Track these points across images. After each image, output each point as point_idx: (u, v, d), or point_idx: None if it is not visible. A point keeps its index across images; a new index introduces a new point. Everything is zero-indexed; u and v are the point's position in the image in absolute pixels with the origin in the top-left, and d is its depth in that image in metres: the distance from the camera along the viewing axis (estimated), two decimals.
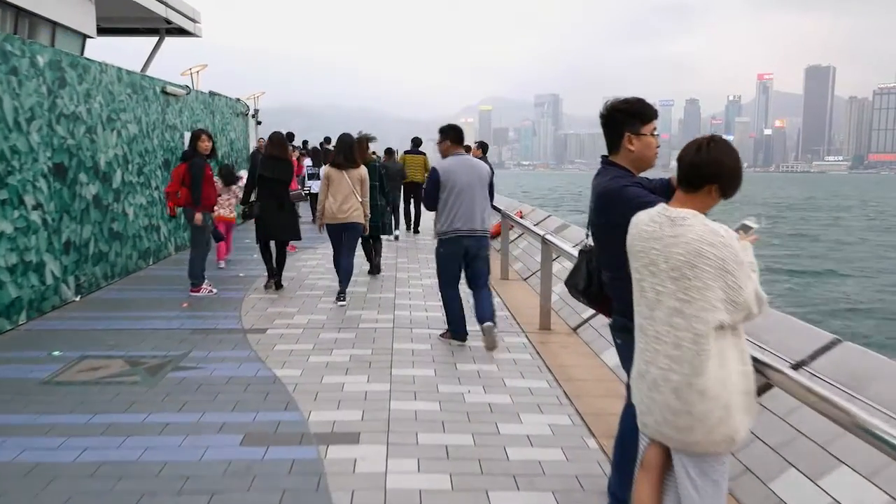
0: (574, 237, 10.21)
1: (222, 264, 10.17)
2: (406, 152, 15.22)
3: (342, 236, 8.10)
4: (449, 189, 6.00)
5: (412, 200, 15.02)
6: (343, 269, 8.11)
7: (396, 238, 13.54)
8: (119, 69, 9.25)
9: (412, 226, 15.16)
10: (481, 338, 6.18)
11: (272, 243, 8.72)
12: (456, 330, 6.35)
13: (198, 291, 8.24)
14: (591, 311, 7.06)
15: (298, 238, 8.99)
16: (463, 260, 6.18)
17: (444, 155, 6.23)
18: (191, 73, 28.48)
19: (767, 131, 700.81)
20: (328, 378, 5.28)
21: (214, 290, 8.34)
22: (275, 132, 8.96)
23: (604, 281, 3.14)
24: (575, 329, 7.06)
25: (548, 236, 7.27)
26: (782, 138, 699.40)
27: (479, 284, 6.27)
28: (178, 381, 5.14)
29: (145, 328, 6.71)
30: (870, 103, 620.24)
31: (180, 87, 11.89)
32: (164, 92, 10.97)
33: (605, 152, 3.10)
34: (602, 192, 3.00)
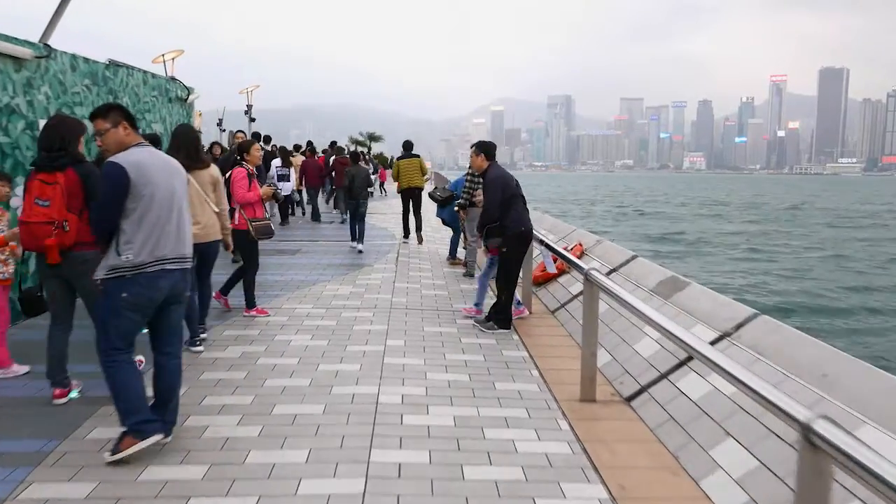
0: (712, 313, 5.51)
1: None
2: (399, 158, 14.18)
3: (197, 262, 5.96)
4: (147, 197, 3.85)
5: (411, 207, 13.79)
6: (201, 303, 6.39)
7: (360, 252, 12.19)
8: None
9: (416, 235, 13.75)
10: None
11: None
12: (140, 425, 3.83)
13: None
14: None
15: None
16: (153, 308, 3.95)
17: (118, 146, 3.97)
18: (163, 60, 24.11)
19: (781, 133, 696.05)
20: None
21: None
22: None
23: None
24: None
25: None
26: (795, 140, 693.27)
27: (177, 352, 4.18)
28: None
29: None
30: (883, 105, 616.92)
31: (26, 44, 7.17)
32: None
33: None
34: None
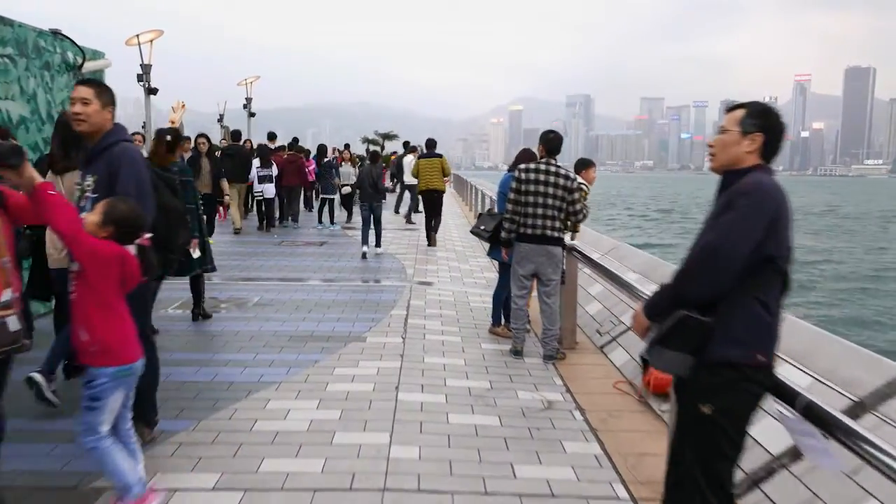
0: None
1: None
2: (420, 157, 14.37)
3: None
4: None
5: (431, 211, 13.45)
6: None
7: (377, 255, 11.54)
8: None
9: (431, 236, 13.27)
10: None
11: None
12: None
13: None
14: None
15: None
16: None
17: None
18: (139, 43, 20.25)
19: (804, 133, 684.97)
20: None
21: None
22: None
23: None
24: None
25: None
26: (820, 141, 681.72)
27: None
28: None
29: None
30: None
31: None
32: None
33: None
34: None
